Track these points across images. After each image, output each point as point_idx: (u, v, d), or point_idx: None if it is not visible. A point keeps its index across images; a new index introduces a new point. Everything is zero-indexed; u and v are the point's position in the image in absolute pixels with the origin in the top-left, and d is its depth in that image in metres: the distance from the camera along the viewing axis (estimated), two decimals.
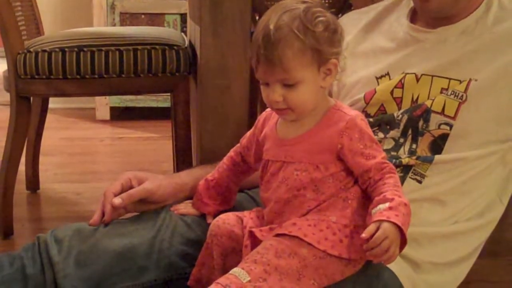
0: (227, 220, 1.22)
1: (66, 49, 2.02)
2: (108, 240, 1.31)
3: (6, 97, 2.20)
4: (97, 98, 3.79)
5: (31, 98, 2.22)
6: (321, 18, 1.14)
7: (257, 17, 2.38)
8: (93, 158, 3.24)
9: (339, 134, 1.15)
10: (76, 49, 2.02)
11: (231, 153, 1.35)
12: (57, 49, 2.03)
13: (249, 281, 1.06)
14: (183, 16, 3.67)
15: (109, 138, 3.55)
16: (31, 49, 2.04)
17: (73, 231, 1.32)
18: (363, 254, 1.11)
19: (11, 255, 1.31)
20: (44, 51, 2.03)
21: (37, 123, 2.49)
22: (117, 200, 1.34)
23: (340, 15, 2.16)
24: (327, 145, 1.15)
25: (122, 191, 1.37)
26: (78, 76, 2.03)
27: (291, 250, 1.10)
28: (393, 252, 1.06)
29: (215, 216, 1.28)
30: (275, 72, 1.13)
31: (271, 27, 1.12)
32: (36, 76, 2.04)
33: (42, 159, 2.58)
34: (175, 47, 2.06)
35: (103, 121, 3.81)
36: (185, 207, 1.38)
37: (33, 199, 2.53)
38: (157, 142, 3.34)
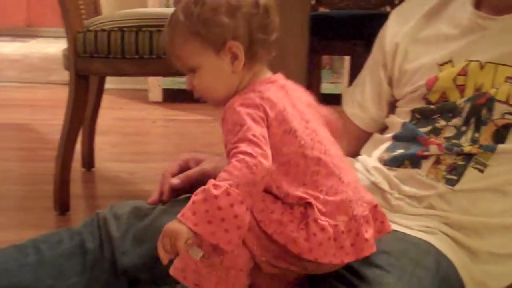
0: None
1: (125, 29, 2.04)
2: (165, 218, 1.30)
3: (65, 76, 2.23)
4: (150, 79, 3.83)
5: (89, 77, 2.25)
6: None
7: None
8: (146, 139, 3.27)
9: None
10: (135, 29, 2.04)
11: None
12: (116, 29, 2.05)
13: None
14: None
15: (161, 119, 3.58)
16: (91, 28, 2.07)
17: (131, 208, 1.34)
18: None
19: (71, 230, 1.33)
20: (103, 30, 2.05)
21: (94, 103, 2.53)
22: (175, 181, 1.35)
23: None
24: None
25: (180, 172, 1.38)
26: (136, 56, 2.05)
27: None
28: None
29: None
30: (175, 61, 1.11)
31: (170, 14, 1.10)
32: (95, 55, 2.06)
33: (96, 138, 2.62)
34: None
35: (156, 103, 3.85)
36: None
37: (88, 177, 2.57)
38: (209, 124, 3.36)
